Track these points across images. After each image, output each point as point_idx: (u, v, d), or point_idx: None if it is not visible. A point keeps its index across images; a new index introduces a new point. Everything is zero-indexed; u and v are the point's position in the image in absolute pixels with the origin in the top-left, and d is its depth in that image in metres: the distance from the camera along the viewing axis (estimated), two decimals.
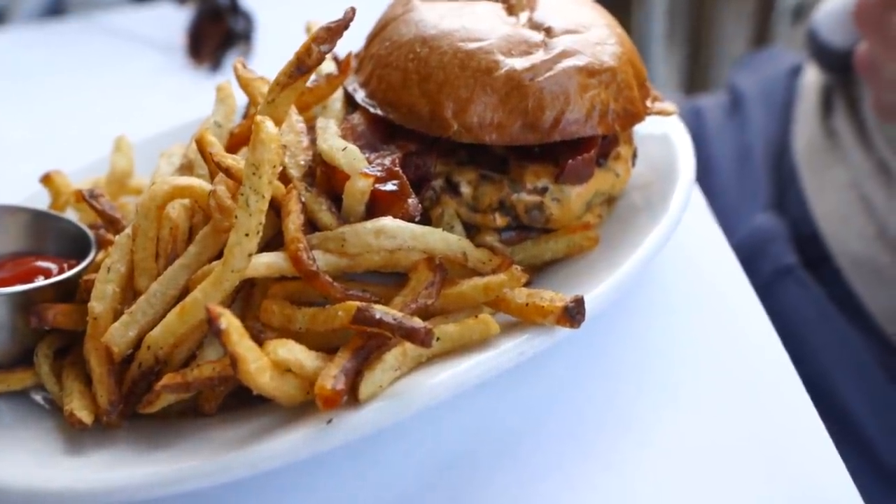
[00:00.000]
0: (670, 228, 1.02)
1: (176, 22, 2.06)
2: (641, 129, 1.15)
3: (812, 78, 1.88)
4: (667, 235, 1.02)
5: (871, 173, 1.56)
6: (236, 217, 0.84)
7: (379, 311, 0.81)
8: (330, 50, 0.96)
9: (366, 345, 0.83)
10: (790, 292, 1.57)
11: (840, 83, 1.75)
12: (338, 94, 1.13)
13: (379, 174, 0.95)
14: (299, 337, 0.86)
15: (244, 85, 1.10)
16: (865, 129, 1.63)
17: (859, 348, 1.43)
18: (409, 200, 0.92)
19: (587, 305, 0.86)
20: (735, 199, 1.77)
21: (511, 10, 1.07)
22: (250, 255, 0.85)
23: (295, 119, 1.05)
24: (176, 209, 0.97)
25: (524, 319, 0.88)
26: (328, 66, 1.13)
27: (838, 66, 1.72)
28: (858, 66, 1.43)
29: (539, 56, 0.98)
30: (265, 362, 0.79)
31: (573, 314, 0.84)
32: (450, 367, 0.83)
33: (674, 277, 1.13)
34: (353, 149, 0.93)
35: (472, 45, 0.99)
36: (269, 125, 0.85)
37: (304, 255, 0.86)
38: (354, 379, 0.81)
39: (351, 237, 0.89)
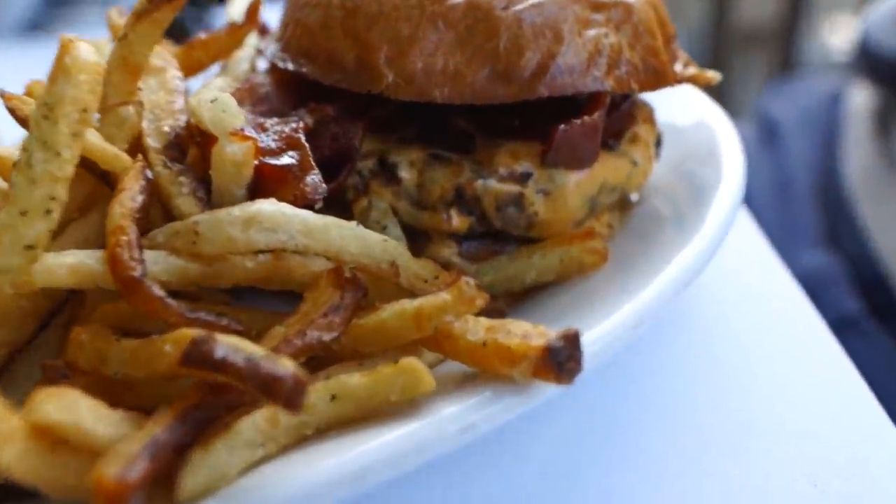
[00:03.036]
0: (709, 247, 0.69)
1: None
2: (666, 114, 0.83)
3: (860, 101, 1.60)
4: (704, 257, 0.69)
5: None
6: (9, 187, 0.51)
7: (224, 346, 0.47)
8: None
9: (203, 404, 0.49)
10: (854, 347, 1.24)
11: None
12: (245, 54, 0.82)
13: (273, 143, 0.63)
14: (114, 388, 0.53)
15: (115, 36, 0.79)
16: None
17: None
18: (308, 178, 0.59)
19: (589, 348, 0.52)
20: (777, 235, 1.44)
21: None
22: (30, 247, 0.52)
23: (171, 75, 0.74)
24: None
25: (481, 368, 0.54)
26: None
27: None
28: None
29: None
30: (16, 427, 0.45)
31: (559, 360, 0.50)
32: (349, 446, 0.49)
33: (733, 309, 0.80)
34: (225, 99, 0.60)
35: None
36: (81, 47, 0.53)
37: (123, 253, 0.53)
38: (174, 461, 0.46)
39: (207, 229, 0.56)
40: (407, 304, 0.54)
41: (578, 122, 0.63)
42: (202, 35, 0.79)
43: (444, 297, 0.53)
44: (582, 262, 0.68)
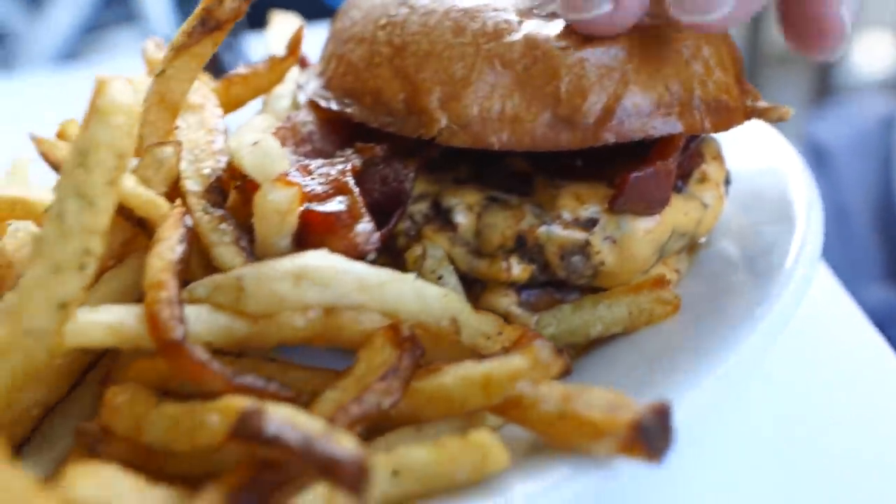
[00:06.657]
0: (795, 296, 0.63)
1: None
2: (730, 147, 0.78)
3: None
4: (790, 307, 0.63)
5: None
6: (40, 239, 0.48)
7: (276, 420, 0.43)
8: None
9: (255, 480, 0.44)
10: None
11: None
12: (286, 90, 0.79)
13: (319, 187, 0.59)
14: (154, 455, 0.48)
15: (152, 70, 0.76)
16: None
17: None
18: (359, 227, 0.55)
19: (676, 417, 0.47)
20: (838, 269, 1.38)
21: None
22: (63, 305, 0.48)
23: (211, 112, 0.70)
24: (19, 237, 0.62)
25: (556, 441, 0.48)
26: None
27: None
28: None
29: None
30: None
31: (651, 436, 0.45)
32: None
33: (805, 362, 0.74)
34: (268, 142, 0.56)
35: (475, 1, 0.63)
36: (115, 87, 0.49)
37: (163, 312, 0.49)
38: None
39: (252, 284, 0.52)
40: (473, 369, 0.50)
41: (651, 168, 0.58)
42: (241, 69, 0.76)
43: (518, 362, 0.48)
44: (652, 312, 0.62)
